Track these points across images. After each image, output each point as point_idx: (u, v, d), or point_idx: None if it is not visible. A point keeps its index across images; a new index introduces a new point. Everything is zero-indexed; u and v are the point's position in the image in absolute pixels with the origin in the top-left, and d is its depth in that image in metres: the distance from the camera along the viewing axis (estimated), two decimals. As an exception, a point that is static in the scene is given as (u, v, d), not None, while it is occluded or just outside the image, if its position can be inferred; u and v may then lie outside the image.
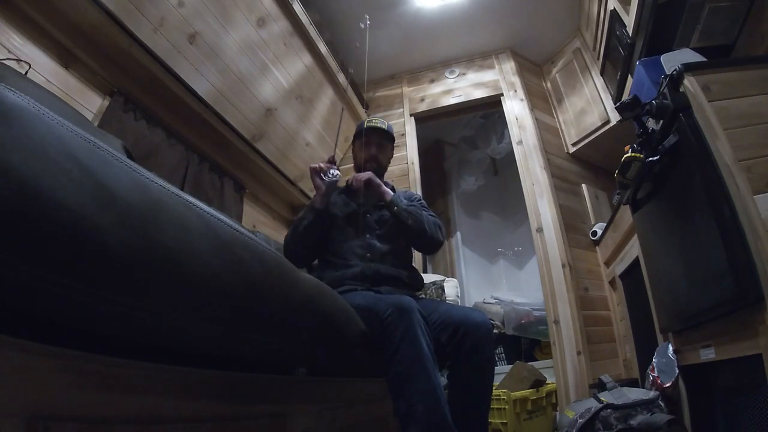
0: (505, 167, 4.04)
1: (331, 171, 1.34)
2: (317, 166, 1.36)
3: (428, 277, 2.24)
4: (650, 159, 1.41)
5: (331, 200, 1.44)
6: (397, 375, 0.93)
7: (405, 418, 0.90)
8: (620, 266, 2.18)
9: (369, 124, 1.56)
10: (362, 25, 1.84)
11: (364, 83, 2.87)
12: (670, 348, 1.49)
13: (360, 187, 1.36)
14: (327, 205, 1.38)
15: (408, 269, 1.43)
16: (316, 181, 1.36)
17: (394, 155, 1.67)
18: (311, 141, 2.76)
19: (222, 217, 0.58)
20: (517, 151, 2.84)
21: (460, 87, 3.18)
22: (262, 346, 0.69)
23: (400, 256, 1.42)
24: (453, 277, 3.24)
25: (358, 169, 1.56)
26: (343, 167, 3.02)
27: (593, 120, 2.77)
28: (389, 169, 1.68)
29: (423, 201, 1.60)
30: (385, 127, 1.55)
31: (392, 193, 1.39)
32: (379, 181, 1.39)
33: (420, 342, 0.94)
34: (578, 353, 2.24)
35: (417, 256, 2.60)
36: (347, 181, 1.39)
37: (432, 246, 1.44)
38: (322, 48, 2.52)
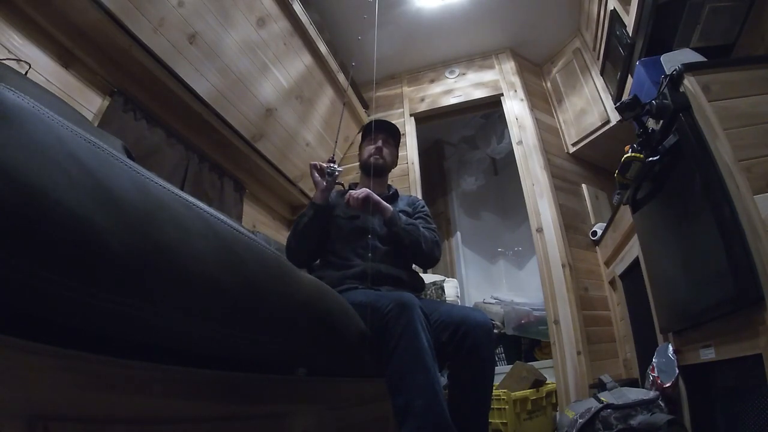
0: (505, 167, 4.03)
1: (332, 166, 1.33)
2: (317, 164, 1.36)
3: (428, 278, 2.24)
4: (650, 159, 1.41)
5: (334, 201, 1.44)
6: (396, 369, 0.93)
7: (402, 413, 0.89)
8: (620, 266, 2.18)
9: (375, 119, 1.59)
10: (365, 16, 1.82)
11: (373, 83, 2.86)
12: (670, 348, 1.49)
13: (357, 206, 1.30)
14: (327, 200, 1.37)
15: (409, 270, 1.43)
16: (315, 177, 1.34)
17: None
18: (311, 141, 2.76)
19: (222, 217, 0.58)
20: (517, 151, 2.84)
21: (460, 87, 3.17)
22: (262, 346, 0.69)
23: (401, 257, 1.42)
24: (453, 277, 3.25)
25: (363, 164, 1.56)
26: (342, 167, 3.03)
27: (593, 120, 2.76)
28: (389, 169, 1.67)
29: (426, 208, 1.58)
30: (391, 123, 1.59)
31: (391, 210, 1.34)
32: (377, 198, 1.32)
33: (420, 337, 0.94)
34: (578, 353, 2.24)
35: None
36: (346, 198, 1.33)
37: (428, 263, 1.45)
38: (322, 48, 2.52)
